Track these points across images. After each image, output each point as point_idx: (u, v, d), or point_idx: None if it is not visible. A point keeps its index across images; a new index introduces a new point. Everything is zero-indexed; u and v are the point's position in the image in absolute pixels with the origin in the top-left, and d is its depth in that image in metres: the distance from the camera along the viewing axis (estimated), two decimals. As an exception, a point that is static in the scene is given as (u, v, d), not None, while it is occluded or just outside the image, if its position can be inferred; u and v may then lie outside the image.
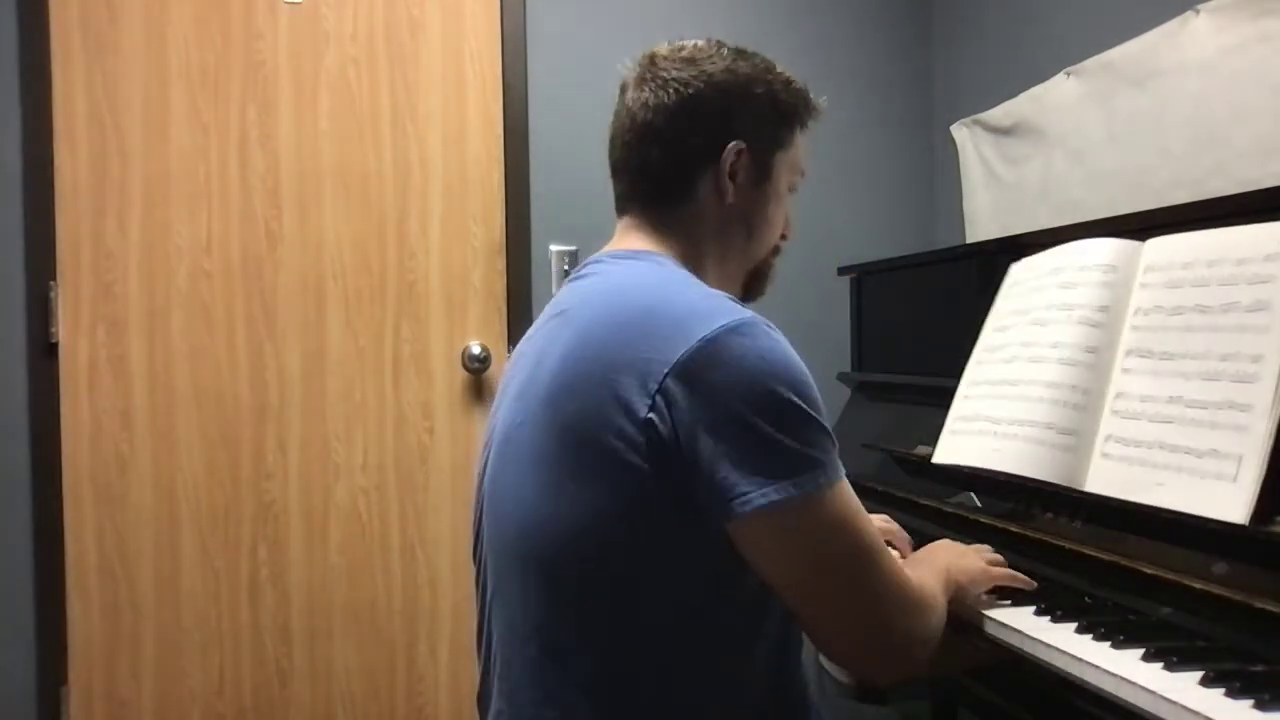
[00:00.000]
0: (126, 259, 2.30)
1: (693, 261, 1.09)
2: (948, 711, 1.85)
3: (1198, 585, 1.04)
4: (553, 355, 0.99)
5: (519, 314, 2.44)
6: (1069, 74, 2.09)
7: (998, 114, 2.36)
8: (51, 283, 2.25)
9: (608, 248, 1.13)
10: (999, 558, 1.23)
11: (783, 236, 1.19)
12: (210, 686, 2.33)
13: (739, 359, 0.91)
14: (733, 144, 1.08)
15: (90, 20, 2.27)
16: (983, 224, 2.43)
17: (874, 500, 1.73)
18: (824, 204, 2.68)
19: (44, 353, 2.25)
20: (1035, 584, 1.19)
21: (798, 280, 2.61)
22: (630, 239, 1.11)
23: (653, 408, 0.90)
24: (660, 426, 0.90)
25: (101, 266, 2.28)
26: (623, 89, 1.13)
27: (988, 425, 1.38)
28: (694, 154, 1.08)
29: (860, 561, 0.94)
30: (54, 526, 2.25)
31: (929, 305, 1.89)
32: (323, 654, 2.38)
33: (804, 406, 0.92)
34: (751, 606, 0.99)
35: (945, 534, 1.50)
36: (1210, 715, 0.84)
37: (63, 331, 2.26)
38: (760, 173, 1.11)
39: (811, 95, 1.15)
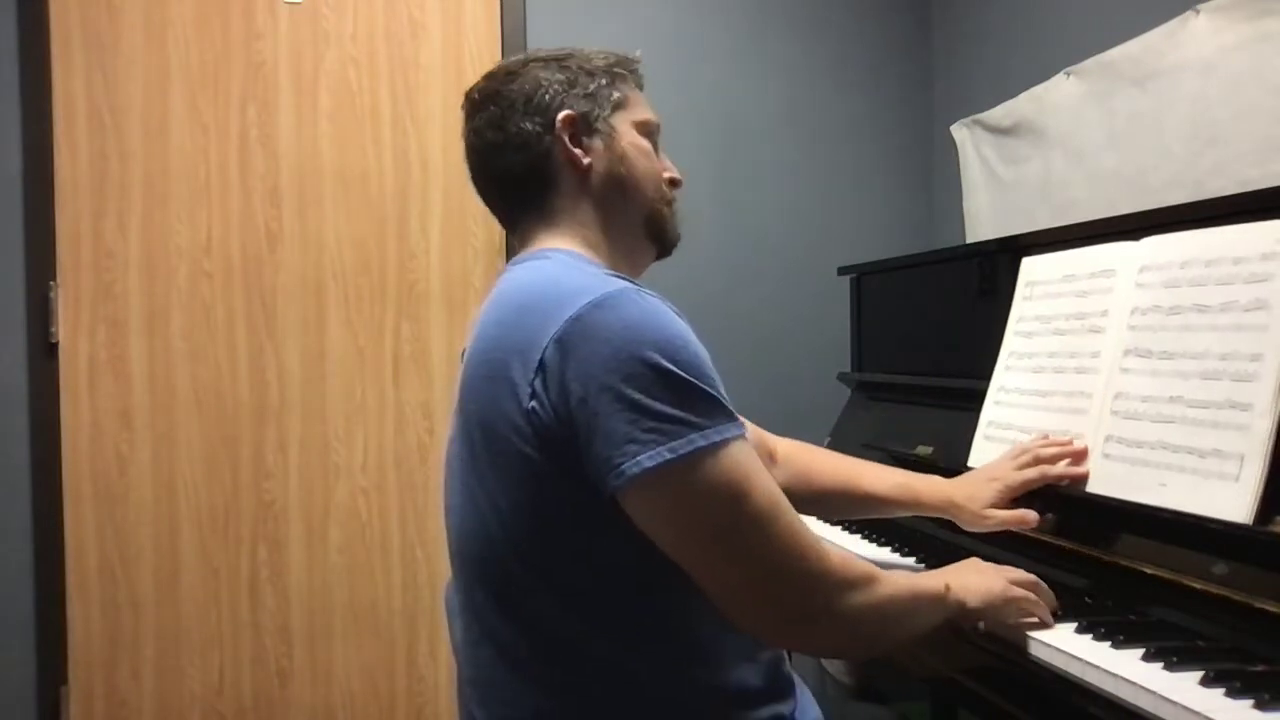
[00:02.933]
0: (126, 259, 2.30)
1: (587, 238, 1.11)
2: (948, 711, 1.85)
3: (1198, 585, 1.04)
4: (465, 374, 1.03)
5: (519, 314, 2.44)
6: (1069, 74, 2.09)
7: (998, 114, 2.36)
8: (51, 283, 2.25)
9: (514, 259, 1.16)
10: (1028, 577, 1.13)
11: (673, 184, 1.18)
12: (210, 686, 2.33)
13: (603, 330, 0.91)
14: (560, 114, 1.10)
15: (90, 20, 2.28)
16: (983, 224, 2.43)
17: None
18: (824, 204, 2.68)
19: (44, 353, 2.25)
20: (1053, 622, 1.11)
21: (798, 280, 2.62)
22: (530, 245, 1.14)
23: (533, 395, 0.92)
24: (542, 413, 0.92)
25: (101, 266, 2.28)
26: (463, 138, 1.17)
27: (1019, 435, 1.39)
28: (534, 139, 1.10)
29: (750, 525, 0.91)
30: (54, 526, 2.25)
31: (929, 305, 1.89)
32: (323, 654, 2.38)
33: (674, 370, 0.90)
34: (681, 585, 0.95)
35: (945, 534, 1.50)
36: (1210, 715, 0.84)
37: (63, 331, 2.26)
38: (601, 130, 1.12)
39: (615, 52, 1.18)
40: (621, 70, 1.16)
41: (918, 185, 2.75)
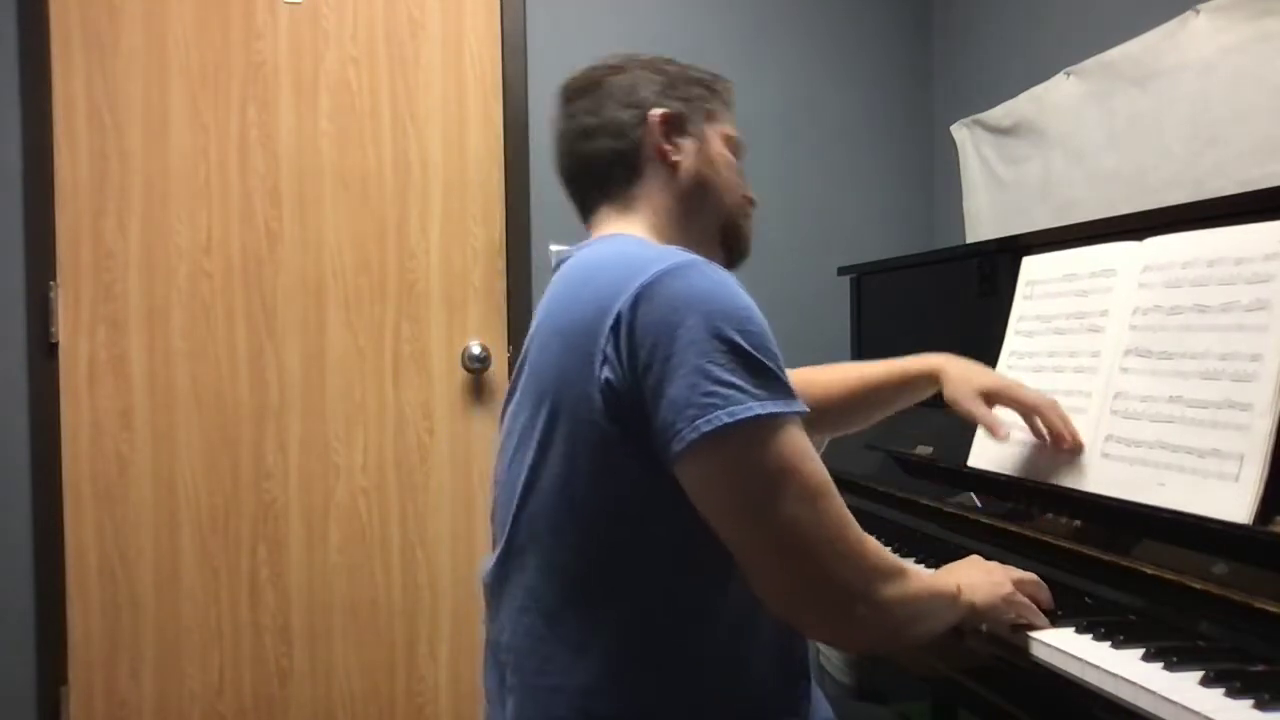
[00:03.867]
0: (126, 259, 2.30)
1: (660, 230, 1.13)
2: (948, 711, 1.85)
3: (1198, 585, 1.04)
4: (533, 346, 1.05)
5: (519, 314, 2.44)
6: (1069, 74, 2.09)
7: (998, 114, 2.36)
8: (51, 283, 2.25)
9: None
10: (1029, 576, 1.14)
11: (750, 201, 1.21)
12: (210, 686, 2.33)
13: (673, 297, 0.92)
14: (656, 110, 1.13)
15: (90, 20, 2.27)
16: (983, 224, 2.44)
17: (874, 500, 1.73)
18: (824, 204, 2.68)
19: (44, 353, 2.25)
20: (1048, 623, 1.11)
21: (798, 280, 2.62)
22: (600, 229, 1.16)
23: (605, 360, 0.93)
24: (614, 380, 0.93)
25: (101, 266, 2.28)
26: (553, 124, 1.21)
27: (1020, 434, 1.39)
28: (628, 128, 1.13)
29: (794, 505, 0.91)
30: (54, 526, 2.25)
31: (929, 305, 1.89)
32: (323, 654, 2.38)
33: (741, 342, 0.91)
34: (722, 559, 0.96)
35: (945, 534, 1.50)
36: (1210, 715, 0.84)
37: (63, 331, 2.26)
38: (694, 133, 1.16)
39: (708, 70, 1.22)
40: (717, 87, 1.21)
41: (918, 185, 2.75)
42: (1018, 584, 1.11)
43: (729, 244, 1.19)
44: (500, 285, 2.46)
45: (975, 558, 1.17)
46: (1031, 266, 1.52)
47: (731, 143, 1.20)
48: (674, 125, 1.14)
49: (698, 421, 0.89)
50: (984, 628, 1.10)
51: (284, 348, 2.37)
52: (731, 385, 0.90)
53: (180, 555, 2.32)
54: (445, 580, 2.44)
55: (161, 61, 2.31)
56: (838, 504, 0.94)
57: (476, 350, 2.42)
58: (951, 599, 1.03)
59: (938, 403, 1.39)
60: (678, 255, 0.97)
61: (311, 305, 2.38)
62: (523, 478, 1.02)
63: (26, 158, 2.23)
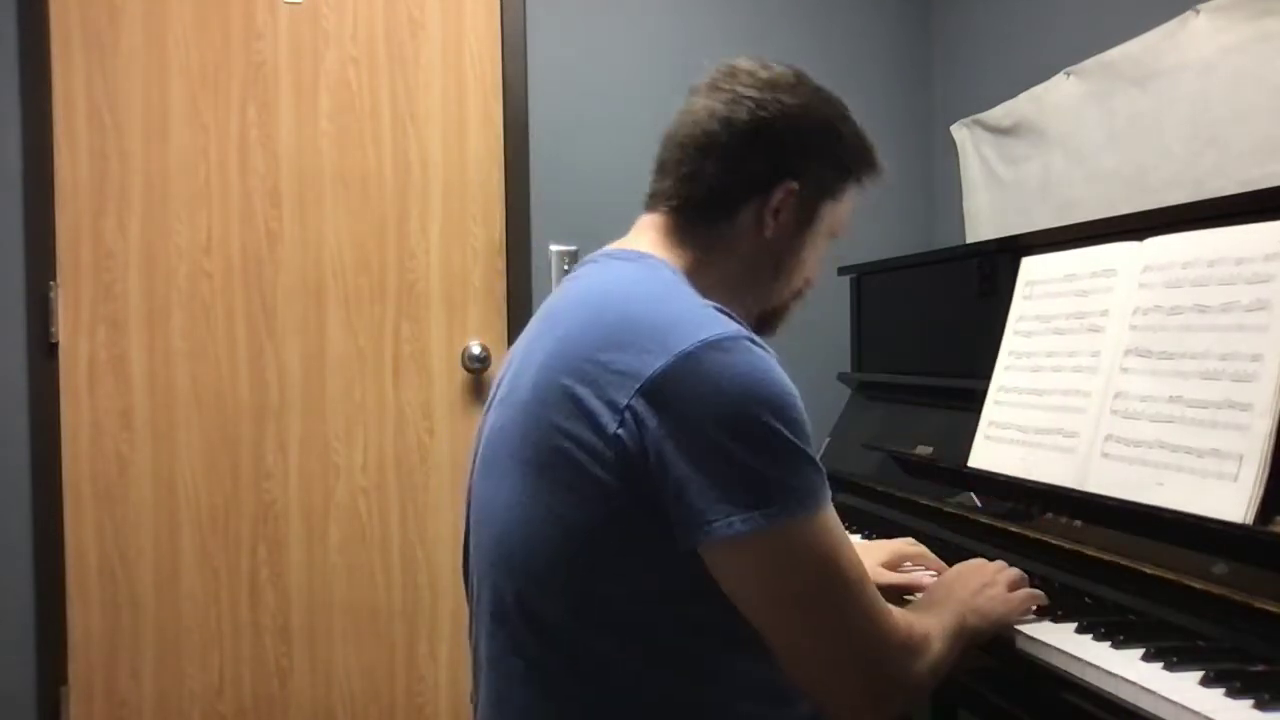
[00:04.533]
0: (126, 259, 2.30)
1: (702, 280, 1.03)
2: (948, 711, 1.85)
3: (1198, 585, 1.04)
4: (534, 361, 0.97)
5: (519, 314, 2.44)
6: (1069, 74, 2.09)
7: (998, 114, 2.36)
8: (51, 283, 2.25)
9: (616, 243, 1.09)
10: (1019, 576, 1.15)
11: (807, 283, 1.15)
12: (210, 686, 2.33)
13: (715, 377, 0.87)
14: (788, 181, 1.04)
15: (90, 20, 2.27)
16: (983, 224, 2.43)
17: (874, 500, 1.73)
18: (824, 204, 2.68)
19: (44, 353, 2.25)
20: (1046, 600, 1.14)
21: (798, 280, 2.62)
22: (643, 238, 1.07)
23: (622, 423, 0.87)
24: (629, 443, 0.87)
25: (101, 266, 2.28)
26: (693, 91, 1.08)
27: (1018, 434, 1.39)
28: (748, 179, 1.04)
29: (834, 596, 0.89)
30: (54, 526, 2.25)
31: (929, 305, 1.89)
32: (323, 654, 2.38)
33: (783, 431, 0.87)
34: (721, 621, 0.93)
35: (945, 534, 1.50)
36: (1210, 715, 0.84)
37: (63, 331, 2.26)
38: (805, 216, 1.08)
39: (876, 155, 1.13)
40: (867, 170, 1.12)
41: (918, 185, 2.75)
42: (1008, 583, 1.12)
43: (766, 323, 1.13)
44: (500, 285, 2.46)
45: (976, 562, 1.17)
46: (1031, 267, 1.52)
47: (834, 231, 1.13)
48: (792, 202, 1.05)
49: (733, 518, 0.85)
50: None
51: (284, 348, 2.37)
52: (770, 482, 0.86)
53: (180, 555, 2.32)
54: (445, 580, 2.44)
55: (161, 61, 2.31)
56: (872, 590, 0.92)
57: (476, 350, 2.42)
58: (960, 634, 1.02)
59: (937, 402, 1.39)
60: (720, 324, 0.90)
61: (311, 305, 2.38)
62: (509, 511, 0.96)
63: (26, 158, 2.23)
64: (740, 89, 1.04)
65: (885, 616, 0.93)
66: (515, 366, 1.03)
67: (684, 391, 0.87)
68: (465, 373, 2.44)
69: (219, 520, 2.34)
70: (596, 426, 0.89)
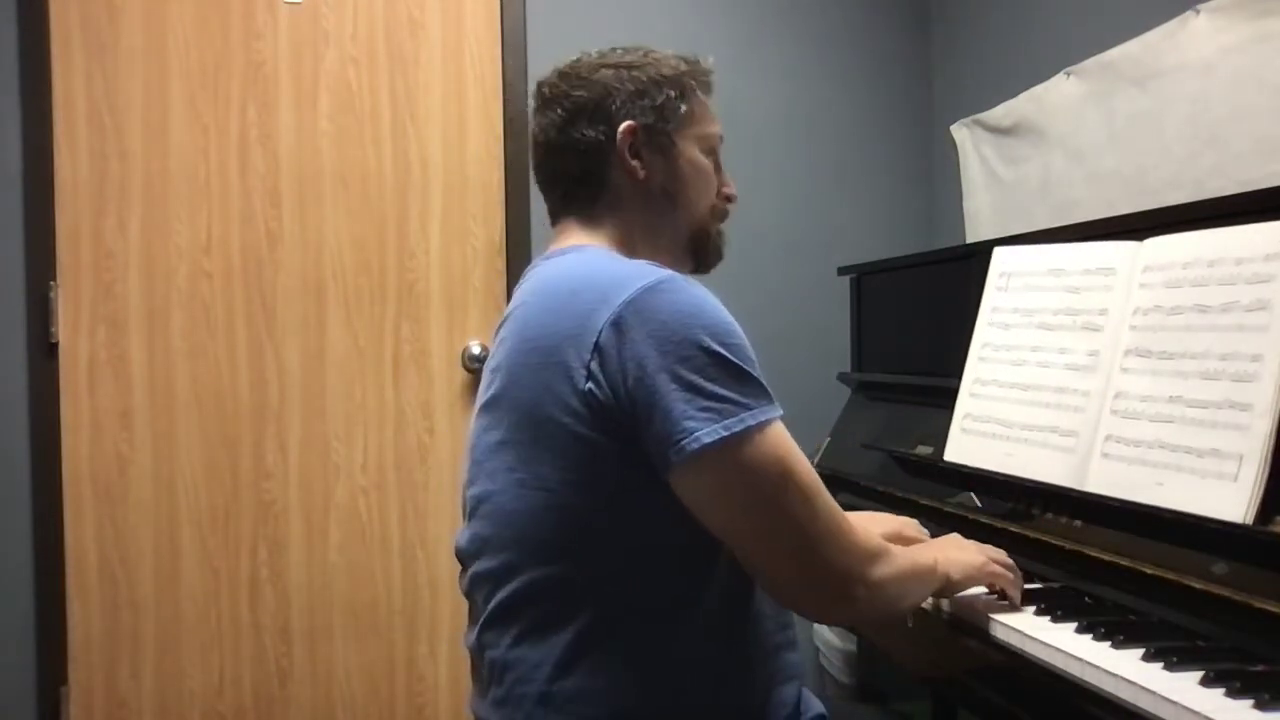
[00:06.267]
0: (126, 259, 2.30)
1: (626, 244, 1.15)
2: (948, 711, 1.85)
3: (1198, 585, 1.04)
4: (502, 360, 1.06)
5: (519, 314, 2.44)
6: (1069, 74, 2.09)
7: (998, 114, 2.36)
8: (51, 283, 2.25)
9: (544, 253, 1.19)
10: (1005, 558, 1.19)
11: (727, 199, 1.23)
12: (210, 686, 2.33)
13: (659, 313, 0.96)
14: (623, 125, 1.13)
15: (90, 20, 2.27)
16: (983, 224, 2.44)
17: (874, 500, 1.73)
18: (824, 204, 2.68)
19: (44, 353, 2.25)
20: (1021, 591, 1.18)
21: (798, 280, 2.62)
22: (564, 240, 1.18)
23: (589, 377, 0.97)
24: (599, 394, 0.96)
25: (101, 266, 2.28)
26: (530, 128, 1.21)
27: (1000, 429, 1.39)
28: (594, 147, 1.14)
29: (793, 498, 0.96)
30: (54, 526, 2.25)
31: (929, 305, 1.89)
32: (323, 654, 2.38)
33: (725, 353, 0.96)
34: (702, 559, 1.02)
35: (945, 534, 1.50)
36: (1210, 715, 0.84)
37: (63, 331, 2.26)
38: (661, 141, 1.16)
39: (697, 59, 1.20)
40: (692, 80, 1.19)
41: (918, 185, 2.75)
42: (993, 560, 1.17)
43: (698, 251, 1.21)
44: (500, 285, 2.46)
45: (954, 536, 1.24)
46: (1005, 258, 1.51)
47: (708, 141, 1.20)
48: (641, 139, 1.14)
49: (699, 433, 0.93)
50: (945, 604, 1.17)
51: (284, 348, 2.37)
52: (723, 399, 0.95)
53: (180, 555, 2.32)
54: (445, 580, 2.44)
55: (161, 61, 2.31)
56: (827, 496, 0.99)
57: (476, 350, 2.42)
58: (930, 570, 1.10)
59: (937, 402, 1.39)
60: (653, 272, 1.00)
61: (311, 305, 2.38)
62: (502, 493, 1.03)
63: (26, 158, 2.23)
64: (547, 95, 1.17)
65: (844, 523, 1.00)
66: (489, 374, 1.10)
67: (633, 334, 0.96)
68: (465, 373, 2.44)
69: (219, 520, 2.34)
70: (571, 388, 0.97)
